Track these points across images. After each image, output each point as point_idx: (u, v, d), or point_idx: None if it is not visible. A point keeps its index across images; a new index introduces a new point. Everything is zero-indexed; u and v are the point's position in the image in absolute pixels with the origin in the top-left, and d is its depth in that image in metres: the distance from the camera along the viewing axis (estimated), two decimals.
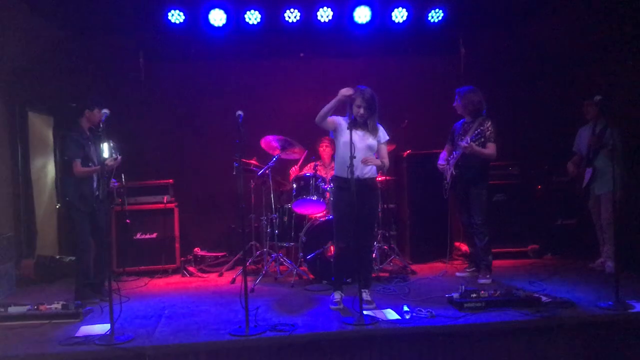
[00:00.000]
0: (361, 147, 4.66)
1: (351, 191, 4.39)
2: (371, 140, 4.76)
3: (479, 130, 5.48)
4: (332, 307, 4.68)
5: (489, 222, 5.66)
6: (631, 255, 5.48)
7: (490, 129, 5.52)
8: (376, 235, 6.43)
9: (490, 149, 5.46)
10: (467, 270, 5.95)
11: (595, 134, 5.82)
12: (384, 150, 4.93)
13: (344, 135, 4.53)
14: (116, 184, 5.70)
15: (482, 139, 5.43)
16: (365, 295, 4.69)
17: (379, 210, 6.06)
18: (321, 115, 4.69)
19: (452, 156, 5.74)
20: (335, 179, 4.89)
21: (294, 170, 6.82)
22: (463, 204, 5.77)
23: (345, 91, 4.58)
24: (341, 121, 4.75)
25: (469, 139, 5.40)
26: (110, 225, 6.46)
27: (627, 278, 4.83)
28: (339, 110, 4.79)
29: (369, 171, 4.76)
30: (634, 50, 6.29)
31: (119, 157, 5.32)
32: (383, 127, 4.90)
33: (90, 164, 5.24)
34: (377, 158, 4.80)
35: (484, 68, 7.53)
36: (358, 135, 4.71)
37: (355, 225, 4.51)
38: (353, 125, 4.57)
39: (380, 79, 7.64)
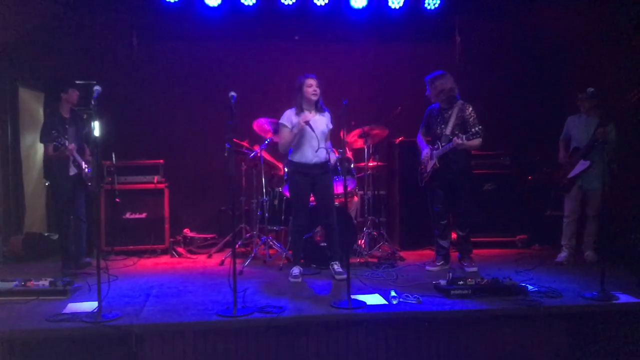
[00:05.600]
0: (318, 133, 5.10)
1: (309, 175, 5.15)
2: (324, 127, 5.21)
3: (470, 119, 5.38)
4: (291, 279, 5.12)
5: (472, 212, 5.70)
6: (614, 248, 5.54)
7: (472, 114, 5.41)
8: (366, 221, 6.48)
9: (478, 140, 5.28)
10: (437, 264, 5.66)
11: (599, 127, 5.54)
12: (328, 135, 5.36)
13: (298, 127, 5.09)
14: (89, 171, 5.59)
15: (473, 130, 5.21)
16: (337, 267, 5.25)
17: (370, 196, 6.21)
18: (286, 147, 5.24)
19: (435, 147, 5.52)
20: (291, 163, 5.27)
21: None
22: (446, 195, 5.61)
23: (303, 118, 5.05)
24: (292, 119, 5.16)
25: (464, 137, 5.19)
26: (99, 204, 6.46)
27: (611, 270, 4.86)
28: (290, 104, 5.28)
29: (323, 156, 5.19)
30: (632, 42, 6.28)
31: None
32: (330, 115, 5.33)
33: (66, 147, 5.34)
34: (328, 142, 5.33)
35: (479, 56, 7.54)
36: (314, 120, 5.12)
37: (318, 205, 5.34)
38: (305, 110, 5.15)
39: (375, 65, 7.68)
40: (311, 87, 5.12)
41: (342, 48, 7.56)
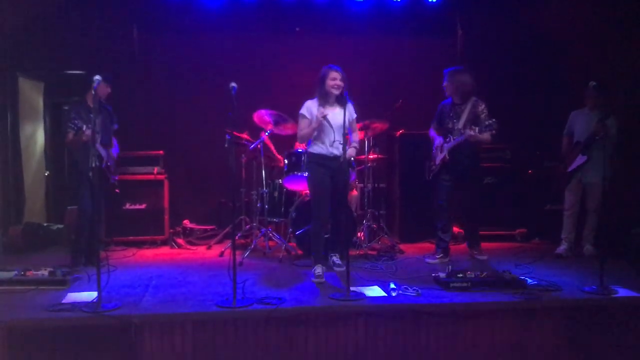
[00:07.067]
0: (336, 127, 4.88)
1: (328, 167, 4.95)
2: (345, 120, 4.79)
3: (482, 115, 5.40)
4: (314, 280, 4.77)
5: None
6: (613, 242, 5.55)
7: (485, 111, 5.46)
8: (366, 213, 6.48)
9: (489, 133, 5.33)
10: (437, 257, 5.69)
11: (599, 121, 5.54)
12: (355, 124, 5.27)
13: (316, 121, 4.92)
14: (111, 163, 5.61)
15: (486, 122, 5.23)
16: (336, 259, 5.20)
17: (370, 189, 6.26)
18: (304, 139, 5.10)
19: (447, 141, 5.57)
20: (310, 154, 5.11)
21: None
22: (452, 188, 5.64)
23: (320, 114, 4.87)
24: (312, 110, 4.99)
25: (477, 129, 5.22)
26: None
27: (610, 264, 4.86)
28: (311, 94, 5.11)
29: (340, 149, 4.88)
30: (633, 37, 6.26)
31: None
32: (353, 105, 5.10)
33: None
34: (350, 134, 5.16)
35: (481, 50, 7.51)
36: (333, 113, 4.93)
37: (332, 199, 5.03)
38: (326, 102, 4.97)
39: (376, 57, 7.65)
40: (334, 81, 4.91)
41: (343, 40, 7.52)
